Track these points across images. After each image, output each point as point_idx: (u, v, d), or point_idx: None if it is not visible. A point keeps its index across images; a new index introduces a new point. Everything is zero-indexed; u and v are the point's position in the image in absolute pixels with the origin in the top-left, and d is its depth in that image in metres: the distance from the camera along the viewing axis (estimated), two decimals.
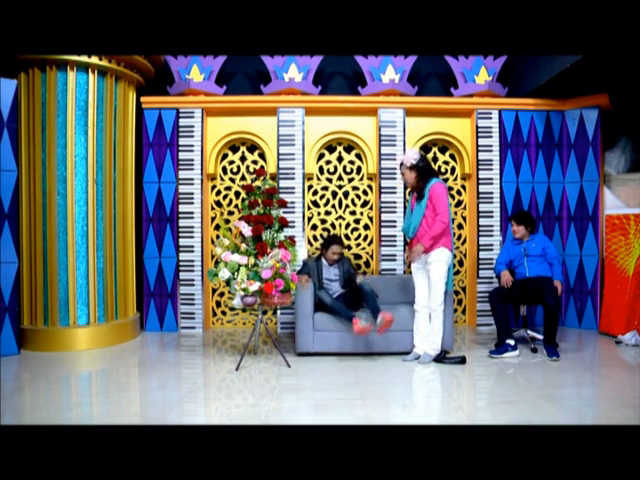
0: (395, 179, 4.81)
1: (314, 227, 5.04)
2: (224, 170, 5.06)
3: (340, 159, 5.06)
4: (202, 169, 4.81)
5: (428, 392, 3.07)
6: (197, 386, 3.19)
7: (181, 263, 4.80)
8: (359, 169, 5.06)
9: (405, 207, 4.74)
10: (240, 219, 3.62)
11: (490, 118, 4.88)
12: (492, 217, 4.87)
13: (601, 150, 4.82)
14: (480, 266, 4.87)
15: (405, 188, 4.77)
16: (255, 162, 5.04)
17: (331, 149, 5.07)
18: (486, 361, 3.70)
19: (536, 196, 4.94)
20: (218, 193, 5.05)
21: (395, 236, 4.80)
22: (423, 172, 3.56)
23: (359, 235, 5.05)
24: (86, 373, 3.53)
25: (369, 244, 5.05)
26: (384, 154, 4.84)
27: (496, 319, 3.95)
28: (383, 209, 4.82)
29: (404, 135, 4.84)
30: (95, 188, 4.20)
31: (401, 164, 3.65)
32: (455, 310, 5.03)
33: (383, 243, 4.81)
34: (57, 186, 4.05)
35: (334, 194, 5.05)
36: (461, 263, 5.14)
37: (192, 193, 4.80)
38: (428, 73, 5.25)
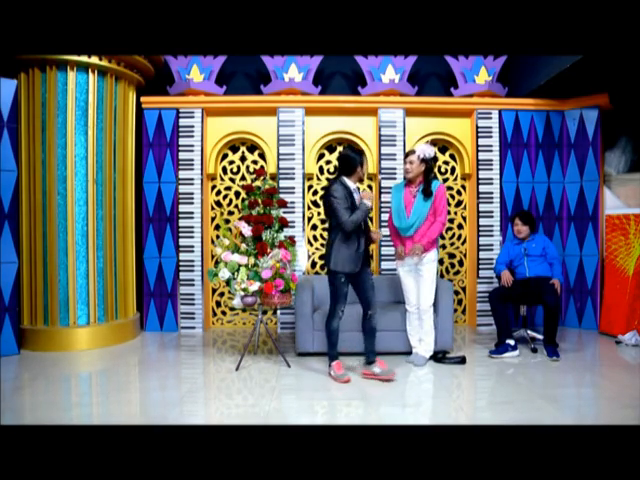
0: (395, 179, 4.81)
1: (314, 227, 5.04)
2: (224, 170, 5.06)
3: None
4: (202, 169, 4.81)
5: (428, 392, 3.07)
6: (197, 386, 3.19)
7: (181, 263, 4.80)
8: None
9: None
10: (240, 219, 3.62)
11: (490, 118, 4.88)
12: (492, 217, 4.87)
13: (601, 150, 4.82)
14: (480, 266, 4.87)
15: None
16: (255, 162, 5.04)
17: (331, 149, 5.07)
18: (486, 361, 3.70)
19: (536, 196, 4.94)
20: (218, 193, 5.05)
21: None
22: (430, 171, 3.54)
23: None
24: (86, 373, 3.53)
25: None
26: (384, 154, 4.84)
27: (496, 319, 3.95)
28: (383, 209, 4.81)
29: (404, 135, 4.84)
30: (95, 188, 4.20)
31: (410, 153, 3.52)
32: (455, 310, 5.03)
33: (383, 243, 4.81)
34: (57, 186, 4.05)
35: None
36: (461, 263, 5.14)
37: (192, 193, 4.80)
38: (428, 73, 5.25)
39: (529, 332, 4.14)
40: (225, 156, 5.06)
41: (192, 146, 4.79)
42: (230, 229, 3.68)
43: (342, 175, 3.29)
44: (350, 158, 3.25)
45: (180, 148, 4.79)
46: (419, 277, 3.56)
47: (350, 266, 3.17)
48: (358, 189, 3.34)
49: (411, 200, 3.54)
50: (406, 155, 3.57)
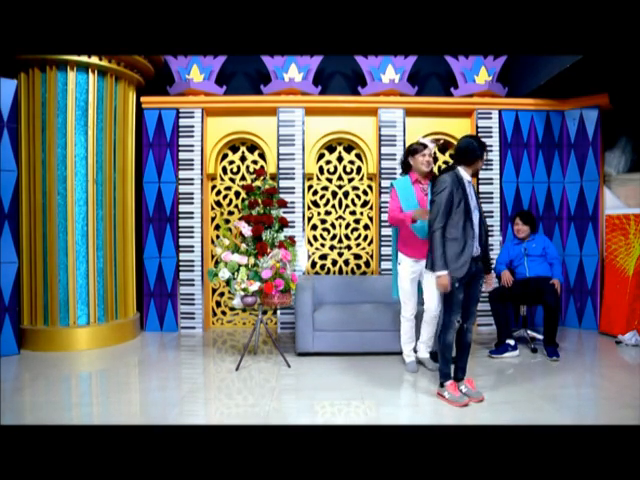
0: (395, 179, 4.80)
1: (314, 227, 5.04)
2: (224, 170, 5.06)
3: (340, 159, 5.06)
4: (202, 169, 4.81)
5: (427, 392, 3.06)
6: (197, 386, 3.19)
7: (181, 263, 4.80)
8: (359, 169, 5.06)
9: None
10: (240, 219, 3.62)
11: (490, 118, 4.88)
12: (492, 217, 4.87)
13: (601, 150, 4.82)
14: None
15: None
16: (255, 162, 5.04)
17: (331, 149, 5.07)
18: (486, 361, 3.70)
19: (536, 196, 4.94)
20: (218, 193, 5.05)
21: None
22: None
23: (359, 235, 5.05)
24: (86, 373, 3.53)
25: (369, 244, 5.05)
26: (384, 154, 4.84)
27: (496, 319, 3.95)
28: (383, 209, 4.81)
29: (404, 135, 4.84)
30: (95, 188, 4.20)
31: (422, 147, 3.31)
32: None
33: (383, 243, 4.81)
34: (57, 186, 4.05)
35: (334, 194, 5.05)
36: None
37: (192, 193, 4.80)
38: (428, 73, 5.25)
39: (529, 332, 4.14)
40: (225, 156, 5.06)
41: (192, 146, 4.79)
42: (230, 229, 3.68)
43: (459, 164, 2.89)
44: (474, 147, 2.86)
45: (180, 148, 4.79)
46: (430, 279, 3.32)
47: (461, 269, 2.74)
48: (470, 183, 2.93)
49: (423, 198, 3.32)
50: (415, 152, 3.31)
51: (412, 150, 3.35)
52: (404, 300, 3.47)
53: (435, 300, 3.31)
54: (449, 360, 2.89)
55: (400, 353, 3.71)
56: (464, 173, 2.84)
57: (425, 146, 3.29)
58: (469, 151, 2.85)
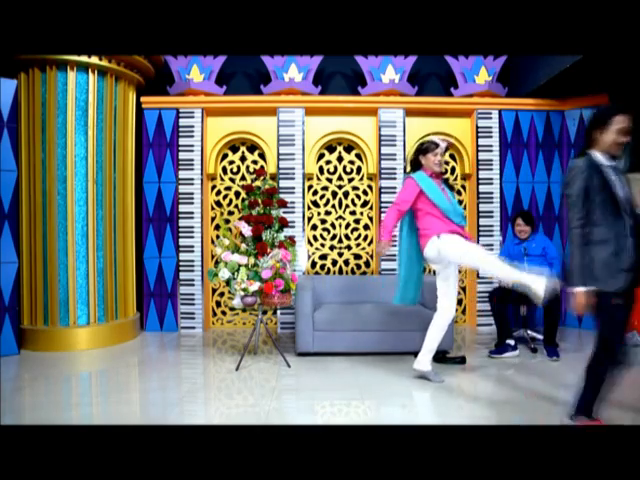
0: (395, 179, 4.81)
1: (314, 227, 5.04)
2: (224, 170, 5.06)
3: (340, 159, 5.06)
4: (202, 169, 4.81)
5: (428, 392, 3.06)
6: (197, 386, 3.19)
7: (181, 263, 4.80)
8: (359, 169, 5.06)
9: None
10: (240, 219, 3.62)
11: (490, 118, 4.88)
12: (492, 217, 4.87)
13: None
14: None
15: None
16: (255, 162, 5.04)
17: (331, 149, 5.07)
18: (486, 361, 3.69)
19: (536, 196, 4.94)
20: (218, 193, 5.06)
21: (395, 236, 4.78)
22: None
23: (359, 235, 5.05)
24: (86, 373, 3.53)
25: (369, 244, 5.05)
26: (384, 154, 4.84)
27: (496, 319, 3.95)
28: (383, 209, 4.81)
29: (404, 135, 4.84)
30: (95, 188, 4.20)
31: (435, 146, 3.17)
32: (455, 310, 5.02)
33: None
34: (57, 186, 4.05)
35: (334, 194, 5.05)
36: None
37: (192, 193, 4.80)
38: (428, 73, 5.25)
39: (529, 332, 4.14)
40: (225, 156, 5.06)
41: (192, 146, 4.80)
42: (230, 229, 3.68)
43: (589, 146, 2.25)
44: (598, 113, 2.18)
45: (180, 148, 4.79)
46: (450, 270, 3.16)
47: (615, 281, 2.07)
48: (617, 170, 2.25)
49: (446, 192, 3.20)
50: (427, 151, 3.17)
51: (424, 149, 3.18)
52: (448, 292, 3.17)
53: (455, 296, 3.20)
54: (598, 393, 2.31)
55: (400, 353, 3.70)
56: (600, 156, 2.22)
57: (437, 145, 3.16)
58: (592, 122, 2.19)
